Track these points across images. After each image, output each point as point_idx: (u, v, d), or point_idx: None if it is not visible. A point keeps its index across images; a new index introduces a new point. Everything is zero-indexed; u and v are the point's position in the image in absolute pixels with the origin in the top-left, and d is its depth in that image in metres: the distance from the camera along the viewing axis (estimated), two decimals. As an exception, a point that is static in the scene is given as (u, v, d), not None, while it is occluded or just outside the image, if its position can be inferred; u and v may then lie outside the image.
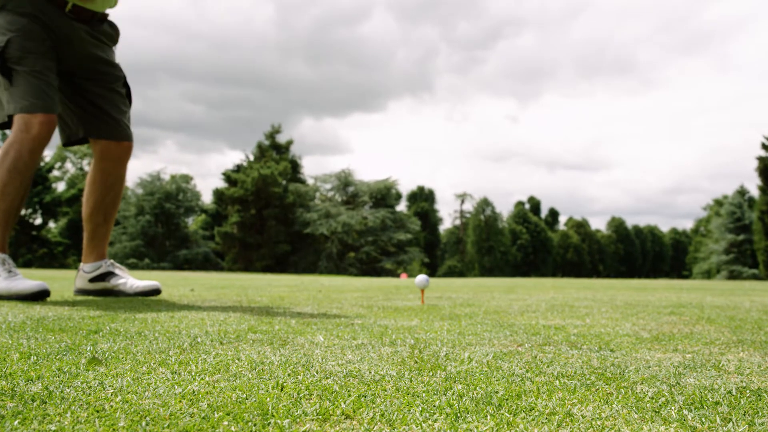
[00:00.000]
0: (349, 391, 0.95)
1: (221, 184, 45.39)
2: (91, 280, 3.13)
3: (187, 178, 46.52)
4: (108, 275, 3.13)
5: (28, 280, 2.71)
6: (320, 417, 0.80)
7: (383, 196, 43.55)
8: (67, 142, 3.10)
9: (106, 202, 3.12)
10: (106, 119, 3.04)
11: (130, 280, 3.16)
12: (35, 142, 2.70)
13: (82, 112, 3.03)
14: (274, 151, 45.32)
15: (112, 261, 3.20)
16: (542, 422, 0.80)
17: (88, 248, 3.15)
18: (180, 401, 0.86)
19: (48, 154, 42.45)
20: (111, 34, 3.08)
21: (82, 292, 3.16)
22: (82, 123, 3.05)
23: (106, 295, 3.12)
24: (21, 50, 2.71)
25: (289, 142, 46.11)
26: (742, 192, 51.66)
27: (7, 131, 2.95)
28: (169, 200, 43.02)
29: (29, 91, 2.70)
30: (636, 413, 0.85)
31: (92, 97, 3.02)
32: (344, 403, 0.87)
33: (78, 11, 2.88)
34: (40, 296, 2.66)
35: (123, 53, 3.18)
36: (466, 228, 65.80)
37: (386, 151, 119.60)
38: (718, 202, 58.02)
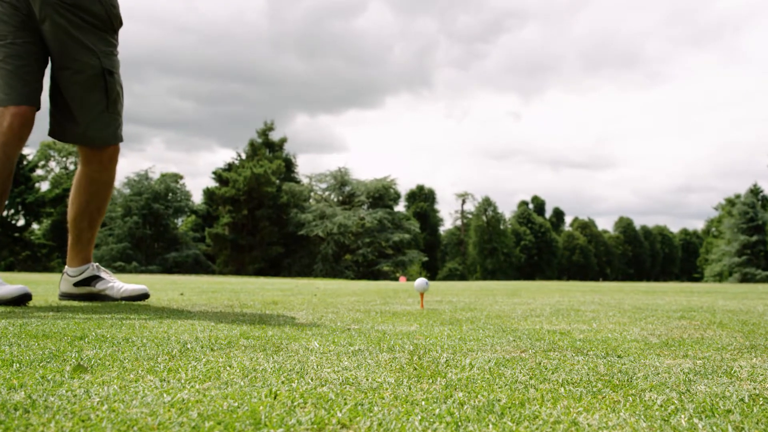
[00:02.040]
0: (345, 399, 0.95)
1: (212, 183, 45.39)
2: (76, 284, 3.12)
3: (176, 177, 46.50)
4: (93, 279, 3.13)
5: (8, 284, 2.71)
6: (315, 426, 0.80)
7: (381, 195, 43.55)
8: (50, 134, 2.95)
9: (91, 208, 3.07)
10: (76, 120, 2.84)
11: (117, 283, 3.16)
12: (7, 136, 2.60)
13: (52, 107, 2.86)
14: (267, 149, 45.29)
15: (97, 264, 3.19)
16: (546, 431, 0.80)
17: (72, 252, 3.14)
18: (169, 410, 0.86)
19: (31, 152, 42.41)
20: (97, 12, 2.77)
21: (66, 296, 3.15)
22: (51, 120, 2.88)
23: (91, 299, 3.12)
24: None
25: (283, 140, 46.11)
26: (755, 191, 51.80)
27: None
28: (158, 200, 42.95)
29: None
30: (644, 422, 0.85)
31: (64, 91, 2.81)
32: (340, 411, 0.87)
33: None
34: (21, 300, 2.65)
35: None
36: (468, 229, 65.86)
37: (384, 149, 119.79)
38: (730, 202, 58.15)
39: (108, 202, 3.15)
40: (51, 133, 2.94)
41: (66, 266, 3.18)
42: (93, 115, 2.85)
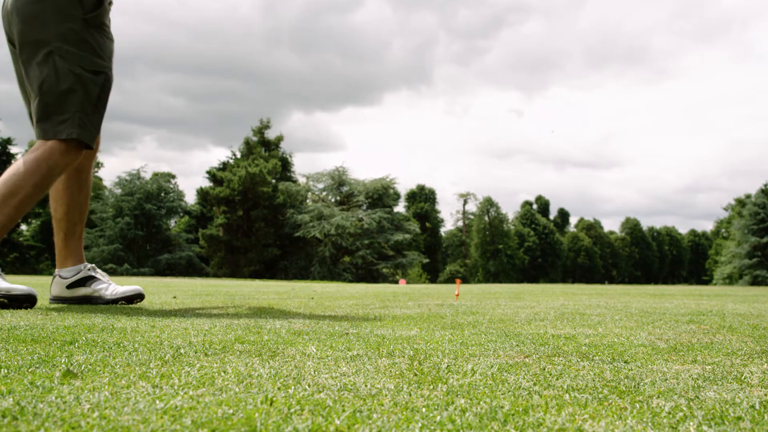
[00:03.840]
0: (343, 405, 0.95)
1: (205, 183, 45.38)
2: (70, 286, 3.12)
3: (168, 177, 46.48)
4: (88, 279, 3.13)
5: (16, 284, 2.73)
6: (313, 434, 0.80)
7: (380, 195, 43.52)
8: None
9: (80, 200, 3.16)
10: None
11: (112, 285, 3.17)
12: (68, 167, 2.83)
13: None
14: (263, 147, 45.27)
15: (93, 265, 3.20)
16: (551, 439, 0.80)
17: (65, 251, 3.15)
18: (162, 417, 0.86)
19: (20, 151, 42.40)
20: None
21: (58, 299, 3.15)
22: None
23: (83, 302, 3.12)
24: (111, 79, 2.91)
25: (279, 138, 46.06)
26: (766, 191, 51.74)
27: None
28: (150, 201, 42.89)
29: (98, 124, 2.86)
30: (652, 429, 0.85)
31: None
32: (338, 418, 0.87)
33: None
34: (25, 300, 2.66)
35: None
36: (469, 230, 65.89)
37: (383, 147, 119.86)
38: (740, 202, 58.24)
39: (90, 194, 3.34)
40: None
41: (57, 269, 3.18)
42: None
